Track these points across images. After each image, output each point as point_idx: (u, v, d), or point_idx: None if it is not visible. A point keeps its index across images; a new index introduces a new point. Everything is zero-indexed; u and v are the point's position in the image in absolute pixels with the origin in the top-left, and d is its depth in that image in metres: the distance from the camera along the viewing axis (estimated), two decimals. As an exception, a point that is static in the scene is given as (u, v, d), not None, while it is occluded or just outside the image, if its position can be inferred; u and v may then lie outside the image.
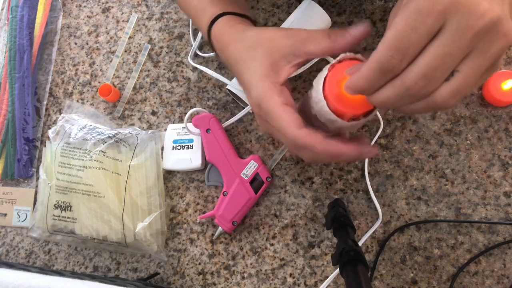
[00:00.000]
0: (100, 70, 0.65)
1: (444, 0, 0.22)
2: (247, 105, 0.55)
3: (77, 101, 0.64)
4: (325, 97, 0.31)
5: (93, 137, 0.57)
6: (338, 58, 0.31)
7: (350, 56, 0.31)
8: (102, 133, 0.58)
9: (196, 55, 0.63)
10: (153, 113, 0.62)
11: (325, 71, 0.31)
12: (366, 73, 0.26)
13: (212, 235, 0.55)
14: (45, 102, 0.65)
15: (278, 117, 0.32)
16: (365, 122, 0.32)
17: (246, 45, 0.36)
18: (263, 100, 0.33)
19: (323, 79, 0.31)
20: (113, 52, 0.66)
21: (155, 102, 0.62)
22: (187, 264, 0.55)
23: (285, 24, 0.54)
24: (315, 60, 0.56)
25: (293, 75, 0.45)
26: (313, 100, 0.32)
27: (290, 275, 0.53)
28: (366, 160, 0.54)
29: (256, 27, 0.39)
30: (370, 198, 0.53)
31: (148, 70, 0.64)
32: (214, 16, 0.41)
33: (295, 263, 0.53)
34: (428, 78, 0.24)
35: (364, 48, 0.57)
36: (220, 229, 0.54)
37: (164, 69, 0.63)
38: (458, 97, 0.25)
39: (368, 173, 0.54)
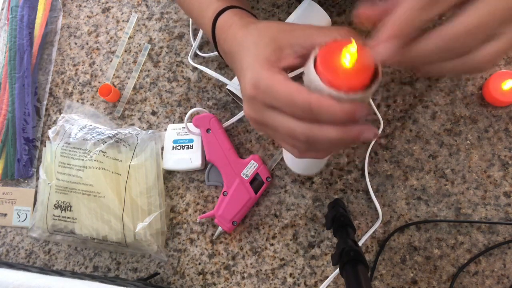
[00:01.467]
0: (100, 70, 0.65)
1: None
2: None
3: (77, 101, 0.64)
4: (318, 74, 0.29)
5: (93, 137, 0.57)
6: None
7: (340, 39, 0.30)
8: (102, 133, 0.58)
9: (196, 55, 0.63)
10: (153, 113, 0.62)
11: (314, 52, 0.30)
12: (408, 10, 0.23)
13: (212, 235, 0.55)
14: (45, 102, 0.65)
15: (284, 87, 0.28)
16: (368, 96, 0.29)
17: (255, 32, 0.34)
18: (262, 78, 0.30)
19: (313, 59, 0.29)
20: (113, 52, 0.66)
21: (155, 102, 0.62)
22: (187, 264, 0.55)
23: (285, 24, 0.54)
24: None
25: (293, 73, 0.45)
26: (306, 84, 0.30)
27: (290, 275, 0.53)
28: (366, 160, 0.54)
29: (266, 20, 0.38)
30: (370, 198, 0.53)
31: (148, 70, 0.64)
32: (222, 8, 0.40)
33: (295, 263, 0.53)
34: (479, 31, 0.23)
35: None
36: (220, 229, 0.54)
37: (164, 69, 0.63)
38: (498, 60, 0.24)
39: (368, 173, 0.54)
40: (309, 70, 0.29)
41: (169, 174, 0.59)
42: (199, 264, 0.55)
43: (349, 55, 0.28)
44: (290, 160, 0.53)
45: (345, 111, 0.26)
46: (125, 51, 0.65)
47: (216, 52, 0.61)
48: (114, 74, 0.64)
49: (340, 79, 0.28)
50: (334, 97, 0.28)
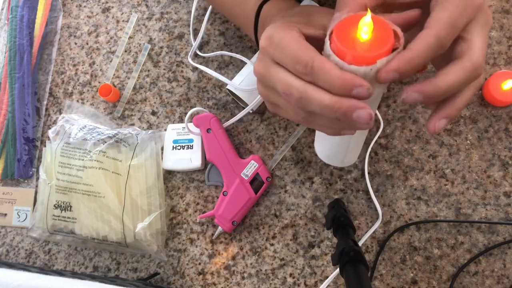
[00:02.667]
0: (100, 70, 0.65)
1: (477, 1, 0.28)
2: (247, 105, 0.55)
3: (77, 101, 0.64)
4: (336, 52, 0.28)
5: (93, 137, 0.57)
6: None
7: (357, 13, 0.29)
8: (102, 133, 0.58)
9: (196, 55, 0.63)
10: (153, 113, 0.62)
11: (332, 25, 0.29)
12: (422, 48, 0.26)
13: (212, 235, 0.55)
14: (45, 102, 0.65)
15: (294, 43, 0.29)
16: (373, 72, 0.27)
17: (293, 12, 0.36)
18: (277, 32, 0.30)
19: (329, 32, 0.29)
20: (113, 52, 0.66)
21: (155, 102, 0.62)
22: (187, 264, 0.55)
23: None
24: None
25: None
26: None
27: (290, 275, 0.53)
28: (366, 160, 0.54)
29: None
30: (370, 198, 0.53)
31: (148, 70, 0.64)
32: None
33: (295, 263, 0.53)
34: (484, 58, 0.28)
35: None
36: (220, 229, 0.54)
37: (164, 69, 0.63)
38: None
39: (368, 173, 0.54)
40: (326, 44, 0.29)
41: (169, 174, 0.59)
42: (199, 264, 0.55)
43: (364, 27, 0.27)
44: (319, 146, 0.50)
45: (343, 79, 0.26)
46: (125, 51, 0.65)
47: (217, 52, 0.61)
48: (114, 74, 0.64)
49: (351, 52, 0.27)
50: (350, 71, 0.27)
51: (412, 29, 0.30)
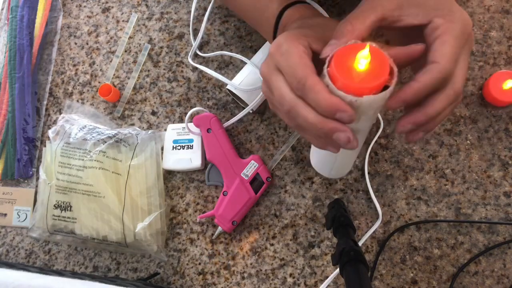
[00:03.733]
0: (100, 70, 0.65)
1: (470, 27, 0.31)
2: (247, 105, 0.55)
3: (77, 101, 0.64)
4: (330, 76, 0.29)
5: (93, 137, 0.57)
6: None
7: (356, 42, 0.30)
8: (102, 133, 0.58)
9: (196, 55, 0.63)
10: (153, 113, 0.62)
11: (331, 51, 0.31)
12: (429, 82, 0.29)
13: (212, 235, 0.55)
14: (45, 102, 0.65)
15: (296, 57, 0.31)
16: (381, 101, 0.30)
17: (310, 23, 0.38)
18: (286, 42, 0.32)
19: (331, 56, 0.30)
20: (113, 52, 0.66)
21: (155, 102, 0.62)
22: (187, 264, 0.55)
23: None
24: None
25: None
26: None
27: (290, 275, 0.53)
28: (366, 160, 0.54)
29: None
30: (370, 198, 0.53)
31: (148, 70, 0.64)
32: (289, 2, 0.43)
33: (295, 263, 0.53)
34: (464, 83, 0.31)
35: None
36: (219, 229, 0.54)
37: (164, 69, 0.63)
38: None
39: (368, 173, 0.54)
40: (325, 65, 0.30)
41: (169, 174, 0.59)
42: (199, 264, 0.55)
43: (361, 59, 0.28)
44: (312, 153, 0.52)
45: (329, 102, 0.28)
46: (125, 51, 0.65)
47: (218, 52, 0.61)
48: (114, 74, 0.64)
49: (343, 79, 0.28)
50: (338, 96, 0.29)
51: (414, 63, 0.32)
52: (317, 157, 0.50)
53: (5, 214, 0.61)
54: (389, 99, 0.30)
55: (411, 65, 0.33)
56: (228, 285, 0.53)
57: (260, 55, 0.57)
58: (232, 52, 0.61)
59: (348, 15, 0.32)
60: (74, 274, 0.48)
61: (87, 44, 0.67)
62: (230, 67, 0.61)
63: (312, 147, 0.51)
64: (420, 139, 0.33)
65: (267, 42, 0.57)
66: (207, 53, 0.62)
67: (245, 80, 0.55)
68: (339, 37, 0.32)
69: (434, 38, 0.30)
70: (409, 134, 0.33)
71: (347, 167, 0.51)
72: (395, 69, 0.29)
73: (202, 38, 0.62)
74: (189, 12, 0.65)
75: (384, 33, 0.35)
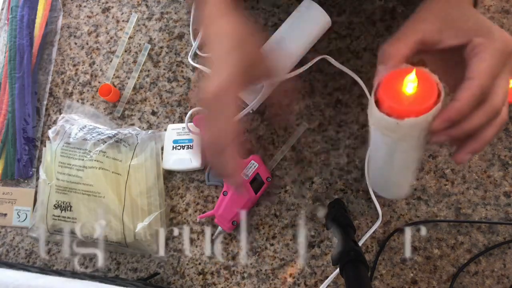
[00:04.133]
0: (100, 70, 0.65)
1: (509, 48, 0.31)
2: (247, 105, 0.55)
3: (77, 101, 0.64)
4: (378, 99, 0.31)
5: (93, 137, 0.57)
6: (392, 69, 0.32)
7: (404, 67, 0.32)
8: (102, 133, 0.58)
9: (196, 55, 0.63)
10: (153, 113, 0.62)
11: (377, 81, 0.32)
12: (469, 98, 0.30)
13: (212, 235, 0.55)
14: (45, 102, 0.65)
15: (227, 121, 0.35)
16: (425, 126, 0.31)
17: (227, 41, 0.38)
18: (225, 94, 0.35)
19: (377, 83, 0.32)
20: (113, 52, 0.66)
21: (155, 102, 0.62)
22: (187, 264, 0.55)
23: (285, 24, 0.54)
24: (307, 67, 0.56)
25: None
26: (369, 118, 0.34)
27: (290, 275, 0.53)
28: (366, 160, 0.54)
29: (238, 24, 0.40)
30: (370, 198, 0.53)
31: (148, 70, 0.64)
32: None
33: (295, 263, 0.53)
34: (505, 101, 0.31)
35: (364, 48, 0.57)
36: (219, 228, 0.54)
37: (164, 69, 0.63)
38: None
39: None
40: (371, 103, 0.32)
41: (169, 174, 0.59)
42: (199, 264, 0.55)
43: (408, 82, 0.30)
44: (374, 180, 0.52)
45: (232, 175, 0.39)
46: (125, 51, 0.65)
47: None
48: (114, 74, 0.64)
49: (394, 104, 0.30)
50: (390, 124, 0.31)
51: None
52: (374, 171, 0.49)
53: (5, 214, 0.61)
54: (434, 121, 0.30)
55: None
56: (228, 285, 0.53)
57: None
58: (232, 52, 0.61)
59: (390, 38, 0.34)
60: (74, 274, 0.48)
61: (87, 44, 0.67)
62: (230, 67, 0.61)
63: (372, 164, 0.49)
64: (468, 160, 0.34)
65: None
66: (207, 53, 0.62)
67: (245, 80, 0.55)
68: (385, 61, 0.33)
69: (473, 56, 0.31)
70: (456, 155, 0.34)
71: (404, 184, 0.47)
72: (443, 93, 0.30)
73: (202, 38, 0.62)
74: (189, 12, 0.65)
75: (422, 55, 0.35)
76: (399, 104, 0.30)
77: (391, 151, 0.36)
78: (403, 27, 0.34)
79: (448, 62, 0.34)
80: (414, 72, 0.30)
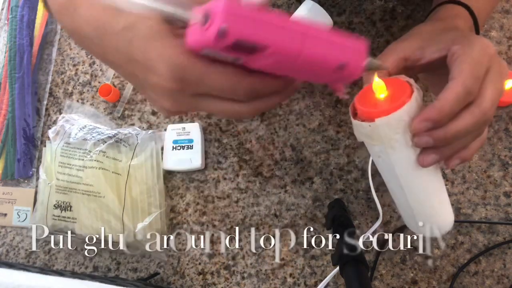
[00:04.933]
0: (100, 70, 0.65)
1: (490, 50, 0.31)
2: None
3: (77, 101, 0.64)
4: (358, 111, 0.33)
5: (93, 137, 0.57)
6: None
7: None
8: (102, 133, 0.58)
9: (196, 55, 0.62)
10: (153, 113, 0.62)
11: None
12: (451, 97, 0.29)
13: (213, 235, 0.55)
14: (45, 102, 0.65)
15: (219, 76, 0.25)
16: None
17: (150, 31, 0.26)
18: (186, 68, 0.25)
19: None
20: (113, 52, 0.66)
21: (155, 102, 0.62)
22: (187, 264, 0.55)
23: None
24: None
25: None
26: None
27: (290, 275, 0.53)
28: (370, 160, 0.54)
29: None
30: (370, 198, 0.53)
31: (148, 70, 0.63)
32: None
33: (295, 263, 0.53)
34: (494, 106, 0.31)
35: (364, 48, 0.57)
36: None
37: (164, 69, 0.63)
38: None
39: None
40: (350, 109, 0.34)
41: (169, 174, 0.59)
42: (199, 264, 0.55)
43: (376, 87, 0.31)
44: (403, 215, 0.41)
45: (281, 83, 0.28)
46: (125, 51, 0.65)
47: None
48: (114, 74, 0.64)
49: (366, 109, 0.31)
50: (366, 129, 0.32)
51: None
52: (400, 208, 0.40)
53: (5, 214, 0.61)
54: (413, 121, 0.30)
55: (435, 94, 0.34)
56: (228, 285, 0.53)
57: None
58: (232, 52, 0.61)
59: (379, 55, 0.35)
60: (74, 274, 0.48)
61: (87, 44, 0.67)
62: (230, 67, 0.61)
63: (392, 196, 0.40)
64: (455, 166, 0.33)
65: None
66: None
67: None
68: (367, 80, 0.34)
69: (453, 61, 0.31)
70: (446, 160, 0.33)
71: (433, 216, 0.38)
72: (415, 91, 0.31)
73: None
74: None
75: (410, 72, 0.36)
76: (372, 108, 0.31)
77: (389, 166, 0.33)
78: (386, 48, 0.36)
79: (440, 77, 0.34)
80: (376, 76, 0.31)
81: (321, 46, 0.24)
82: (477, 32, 0.38)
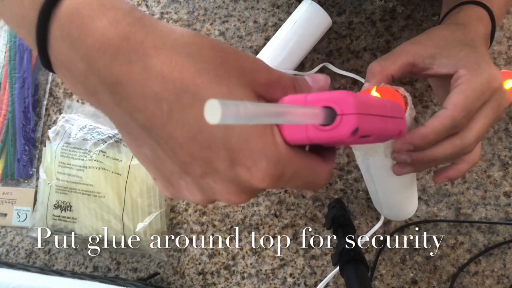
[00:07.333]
0: (100, 70, 0.65)
1: (495, 83, 0.31)
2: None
3: (77, 101, 0.64)
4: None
5: (93, 137, 0.57)
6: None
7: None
8: (102, 133, 0.58)
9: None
10: (153, 113, 0.62)
11: None
12: (437, 127, 0.29)
13: (212, 235, 0.55)
14: (45, 102, 0.65)
15: (309, 167, 0.22)
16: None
17: (202, 65, 0.19)
18: (289, 162, 0.20)
19: None
20: (113, 52, 0.66)
21: (155, 102, 0.62)
22: (187, 264, 0.55)
23: (285, 25, 0.54)
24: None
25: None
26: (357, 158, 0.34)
27: (290, 275, 0.53)
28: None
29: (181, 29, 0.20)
30: (370, 198, 0.53)
31: (148, 70, 0.63)
32: None
33: (295, 263, 0.53)
34: (478, 140, 0.31)
35: (364, 48, 0.57)
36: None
37: (164, 69, 0.63)
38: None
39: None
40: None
41: (169, 174, 0.58)
42: (199, 264, 0.55)
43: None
44: (378, 203, 0.47)
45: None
46: (125, 51, 0.65)
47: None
48: (114, 74, 0.64)
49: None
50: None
51: None
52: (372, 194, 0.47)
53: (5, 214, 0.61)
54: (397, 142, 0.30)
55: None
56: (228, 285, 0.53)
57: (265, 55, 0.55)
58: (232, 52, 0.61)
59: (380, 57, 0.33)
60: (74, 274, 0.48)
61: (87, 44, 0.67)
62: (230, 67, 0.61)
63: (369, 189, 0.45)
64: (443, 182, 0.34)
65: (268, 45, 0.54)
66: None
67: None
68: (369, 78, 0.32)
69: (454, 87, 0.31)
70: (435, 175, 0.35)
71: (398, 209, 0.45)
72: (409, 108, 0.30)
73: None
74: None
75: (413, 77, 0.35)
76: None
77: (365, 165, 0.36)
78: (398, 46, 0.34)
79: (444, 81, 0.34)
80: (375, 88, 0.30)
81: (393, 123, 0.25)
82: (492, 37, 0.37)
